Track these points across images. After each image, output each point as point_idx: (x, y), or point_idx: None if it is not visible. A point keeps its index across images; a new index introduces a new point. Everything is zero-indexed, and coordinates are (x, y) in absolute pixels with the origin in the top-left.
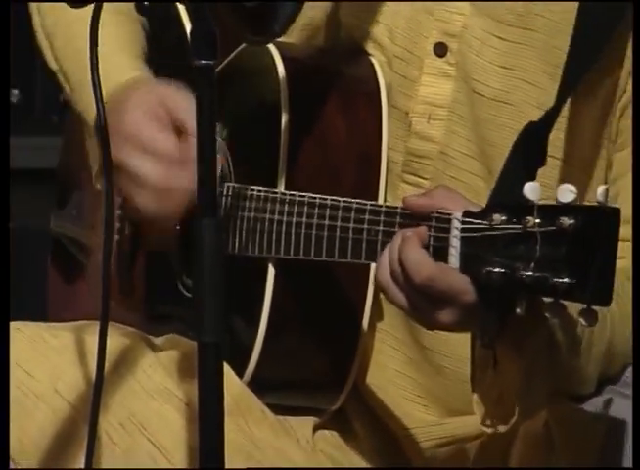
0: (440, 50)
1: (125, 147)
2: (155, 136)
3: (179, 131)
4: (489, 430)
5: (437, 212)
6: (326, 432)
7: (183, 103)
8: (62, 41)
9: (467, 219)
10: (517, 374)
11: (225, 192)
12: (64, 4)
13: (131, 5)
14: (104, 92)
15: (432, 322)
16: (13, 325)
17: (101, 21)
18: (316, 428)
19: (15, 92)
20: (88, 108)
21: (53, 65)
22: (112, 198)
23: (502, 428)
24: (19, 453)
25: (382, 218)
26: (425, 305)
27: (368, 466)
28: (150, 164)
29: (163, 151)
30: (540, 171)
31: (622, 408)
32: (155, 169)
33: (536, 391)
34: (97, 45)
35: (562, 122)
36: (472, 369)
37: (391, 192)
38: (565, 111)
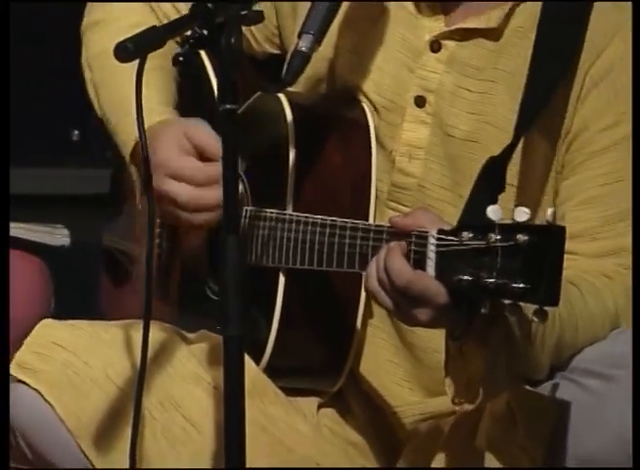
0: (420, 102)
1: (159, 174)
2: (181, 163)
3: (202, 156)
4: (458, 408)
5: (417, 231)
6: (327, 409)
7: (202, 132)
8: (106, 93)
9: (441, 236)
10: (481, 362)
11: (244, 214)
12: (108, 63)
13: (164, 59)
14: (132, 136)
15: (411, 320)
16: (73, 323)
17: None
18: (319, 406)
19: (75, 132)
20: (124, 145)
21: (99, 112)
22: (153, 217)
23: (468, 406)
24: (76, 428)
25: (371, 235)
26: (405, 305)
27: (360, 437)
28: (180, 187)
29: (190, 174)
30: (500, 196)
31: (568, 391)
32: (185, 190)
33: (497, 376)
34: (141, 92)
35: (517, 157)
36: (445, 358)
37: (379, 215)
38: (520, 147)
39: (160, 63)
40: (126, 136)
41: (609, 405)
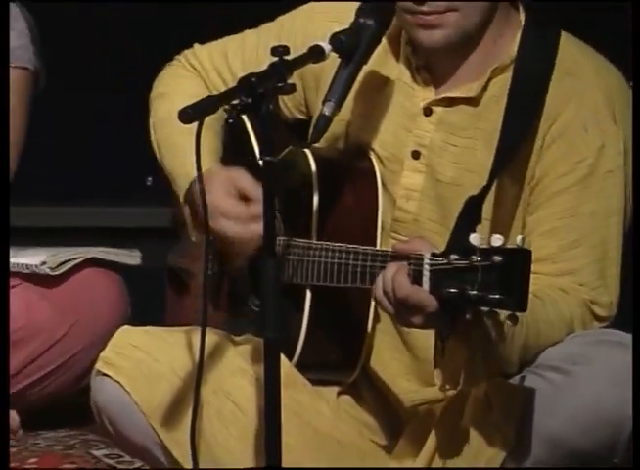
0: (415, 155)
1: (212, 214)
2: (229, 205)
3: (244, 197)
4: (444, 394)
5: (415, 254)
6: (345, 396)
7: (244, 178)
8: (165, 149)
9: (433, 258)
10: (462, 357)
11: (278, 243)
12: (169, 126)
13: (214, 121)
14: (185, 184)
15: (408, 324)
16: (145, 328)
17: (188, 130)
18: (338, 394)
19: (149, 178)
20: (179, 190)
21: (160, 163)
22: (208, 244)
23: (452, 392)
24: (148, 410)
25: (378, 258)
26: (404, 312)
27: (371, 418)
28: (229, 224)
29: (236, 214)
30: (478, 228)
31: (534, 382)
32: (232, 227)
33: (476, 367)
34: (199, 147)
35: (491, 197)
36: (434, 354)
37: (383, 243)
38: (494, 190)
39: (210, 124)
40: (181, 183)
41: (566, 394)
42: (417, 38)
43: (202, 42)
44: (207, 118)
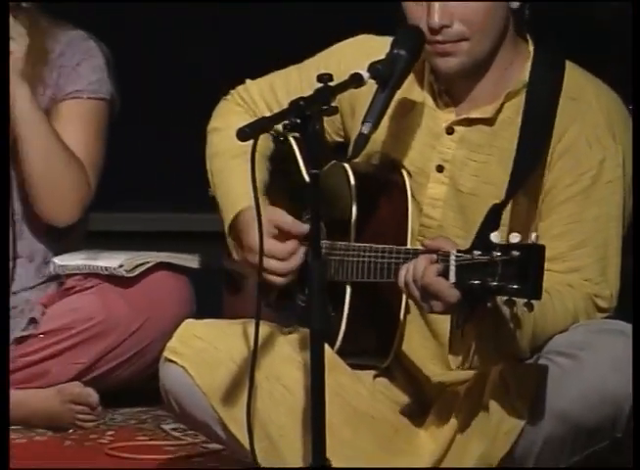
0: (439, 169)
1: (252, 254)
2: (269, 245)
3: (282, 233)
4: (462, 375)
5: (442, 251)
6: (380, 379)
7: (281, 216)
8: (217, 180)
9: (459, 254)
10: (473, 342)
11: (322, 245)
12: (221, 159)
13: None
14: (231, 214)
15: (430, 308)
16: (206, 321)
17: (237, 164)
18: (374, 376)
19: (210, 189)
20: (225, 220)
21: (212, 192)
22: (261, 251)
23: (467, 373)
24: (209, 392)
25: (410, 256)
26: (427, 298)
27: (403, 398)
28: (269, 263)
29: (275, 253)
30: (497, 232)
31: (544, 366)
32: (273, 265)
33: (488, 351)
34: (254, 164)
35: (509, 207)
36: (449, 340)
37: (412, 245)
38: (511, 201)
39: (258, 159)
40: (226, 215)
41: (573, 376)
42: (435, 65)
43: (252, 78)
44: (261, 146)
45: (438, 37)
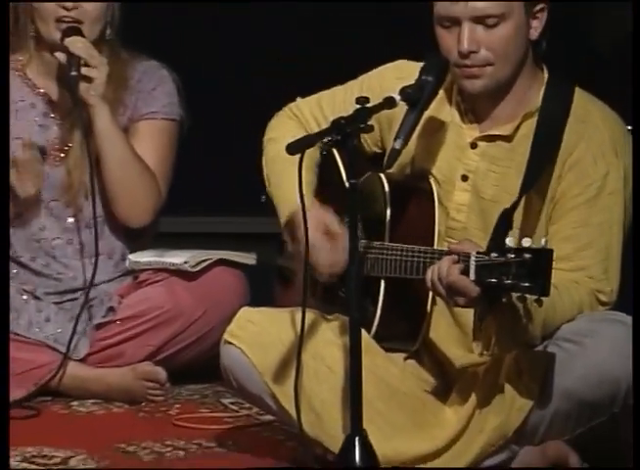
0: (464, 178)
1: (301, 244)
2: (317, 239)
3: (330, 232)
4: (484, 359)
5: (464, 252)
6: (410, 360)
7: (329, 217)
8: (273, 183)
9: (478, 256)
10: (494, 331)
11: (360, 245)
12: (276, 165)
13: (310, 162)
14: (286, 211)
15: (455, 303)
16: (260, 309)
17: (291, 167)
18: (405, 359)
19: (263, 196)
20: (281, 218)
21: (269, 194)
22: (307, 251)
23: (487, 357)
24: (262, 369)
25: (436, 256)
26: (451, 294)
27: (429, 377)
28: (317, 253)
29: (322, 246)
30: (510, 233)
31: (552, 350)
32: (319, 256)
33: (505, 340)
34: (301, 175)
35: (520, 211)
36: (473, 329)
37: (439, 245)
38: (523, 206)
39: (309, 165)
40: (282, 210)
41: (577, 359)
42: (463, 86)
43: (302, 96)
44: (307, 160)
45: (467, 61)
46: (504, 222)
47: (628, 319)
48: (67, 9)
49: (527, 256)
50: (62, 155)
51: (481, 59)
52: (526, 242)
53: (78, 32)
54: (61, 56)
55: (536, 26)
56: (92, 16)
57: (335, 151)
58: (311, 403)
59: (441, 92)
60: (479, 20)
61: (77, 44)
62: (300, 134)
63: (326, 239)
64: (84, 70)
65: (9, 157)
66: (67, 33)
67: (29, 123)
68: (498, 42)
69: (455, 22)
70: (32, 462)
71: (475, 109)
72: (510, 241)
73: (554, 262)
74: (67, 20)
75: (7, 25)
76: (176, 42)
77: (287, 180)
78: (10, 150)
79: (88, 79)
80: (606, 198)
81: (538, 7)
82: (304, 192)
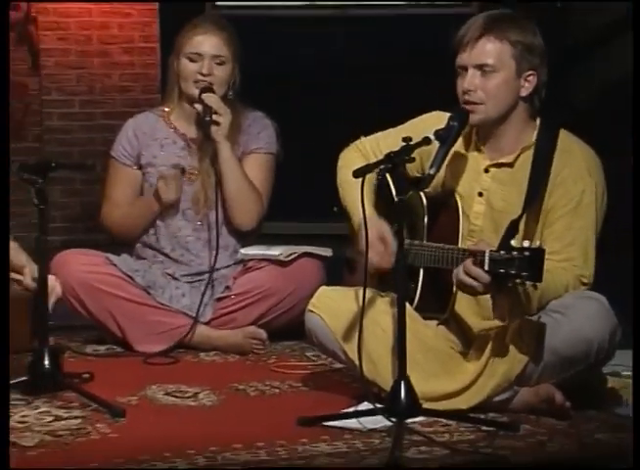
0: (480, 195)
1: (369, 249)
2: (375, 245)
3: (383, 237)
4: (497, 325)
5: (480, 250)
6: (441, 326)
7: (384, 228)
8: (345, 198)
9: (491, 253)
10: (505, 308)
11: (405, 243)
12: (346, 186)
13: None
14: (356, 219)
15: (472, 291)
16: (333, 288)
17: (357, 188)
18: (437, 324)
19: (335, 207)
20: (353, 224)
21: (343, 205)
22: (367, 248)
23: (502, 323)
24: (335, 331)
25: (460, 252)
26: (469, 282)
27: (455, 338)
28: (373, 255)
29: (378, 251)
30: (516, 237)
31: (544, 319)
32: (374, 258)
33: (513, 312)
34: (363, 194)
35: (523, 223)
36: (492, 305)
37: (463, 243)
38: (524, 219)
39: (369, 189)
40: (354, 220)
41: (562, 325)
42: (470, 120)
43: (365, 135)
44: (367, 182)
45: (467, 97)
46: (511, 229)
47: (601, 296)
48: (203, 74)
49: (527, 253)
50: (194, 177)
51: (477, 97)
52: (526, 243)
53: (211, 90)
54: (198, 106)
55: (527, 87)
56: (221, 80)
57: (387, 175)
58: (370, 356)
59: (463, 134)
60: (479, 67)
61: (211, 98)
62: (363, 163)
63: (379, 243)
64: (215, 117)
65: (9, 158)
66: (203, 91)
67: (172, 154)
68: (490, 87)
69: (464, 69)
70: (172, 395)
71: (486, 144)
72: (514, 242)
73: (547, 255)
74: (203, 81)
75: (7, 26)
76: (276, 98)
77: (354, 197)
78: (158, 171)
79: (217, 123)
80: (583, 208)
81: (529, 73)
82: (365, 205)
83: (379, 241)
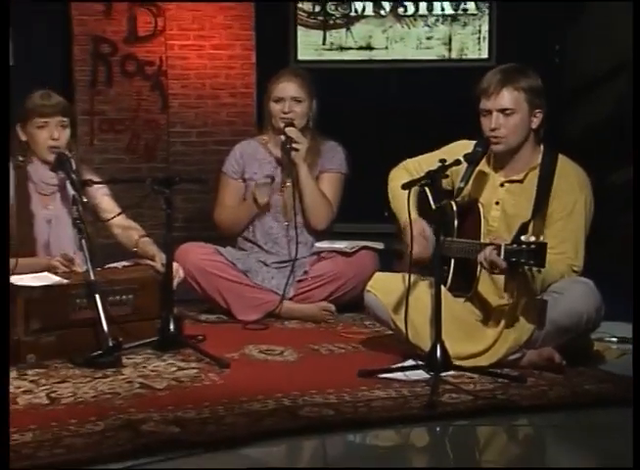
0: (497, 203)
1: (414, 242)
2: (419, 240)
3: (424, 234)
4: (507, 301)
5: (497, 244)
6: (467, 302)
7: (426, 227)
8: (395, 204)
9: (506, 245)
10: (514, 287)
11: (441, 240)
12: (395, 195)
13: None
14: (402, 221)
15: (492, 272)
16: (386, 274)
17: (404, 197)
18: (464, 301)
19: (386, 213)
20: (400, 223)
21: (394, 210)
22: (412, 243)
23: (512, 299)
24: (387, 305)
25: (481, 246)
26: (490, 265)
27: (478, 312)
28: (417, 249)
29: (420, 244)
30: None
31: (546, 298)
32: (417, 250)
33: (522, 293)
34: (409, 202)
35: (531, 225)
36: (504, 285)
37: (483, 240)
38: (532, 222)
39: (413, 200)
40: (401, 220)
41: (559, 302)
42: (493, 149)
43: (409, 157)
44: (412, 193)
45: (493, 134)
46: (522, 229)
47: (589, 281)
48: (285, 112)
49: (533, 246)
50: (282, 189)
51: (501, 133)
52: (533, 238)
53: (292, 124)
54: (282, 137)
55: (535, 121)
56: (299, 115)
57: (427, 188)
58: (413, 324)
59: (485, 157)
60: (501, 111)
61: (292, 131)
62: (408, 179)
63: (421, 238)
64: (294, 145)
65: (9, 158)
66: (287, 125)
67: (267, 171)
68: (510, 125)
69: (489, 112)
70: (264, 353)
71: (502, 166)
72: (524, 238)
73: (547, 249)
74: (285, 117)
75: (7, 26)
76: (346, 130)
77: (402, 204)
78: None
79: (296, 150)
80: (575, 215)
81: (537, 110)
82: (410, 210)
83: (420, 236)
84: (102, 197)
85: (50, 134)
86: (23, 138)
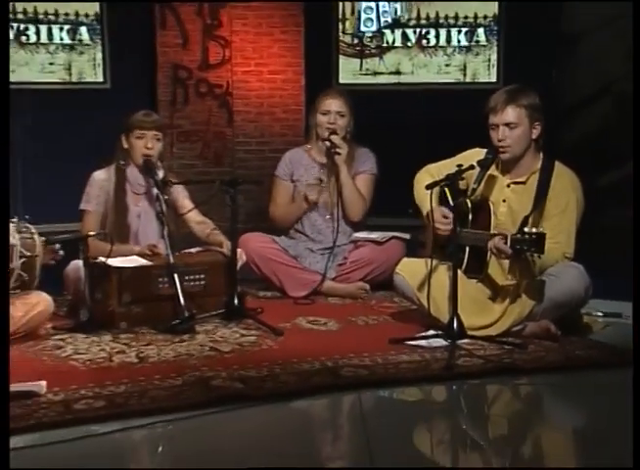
0: (504, 201)
1: (435, 222)
2: (440, 220)
3: (445, 214)
4: (512, 282)
5: (504, 234)
6: (479, 283)
7: (445, 210)
8: (419, 200)
9: (513, 236)
10: (517, 270)
11: (457, 229)
12: (419, 194)
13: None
14: (424, 211)
15: (500, 257)
16: (411, 259)
17: (427, 194)
18: (477, 282)
19: (410, 210)
20: (423, 213)
21: (418, 204)
22: (434, 231)
23: (515, 280)
24: (413, 285)
25: (491, 236)
26: (497, 251)
27: (488, 291)
28: (439, 226)
29: (441, 223)
30: (527, 227)
31: (545, 278)
32: (440, 228)
33: (524, 275)
34: (432, 199)
35: (531, 216)
36: (508, 269)
37: (493, 231)
38: (532, 214)
39: (435, 197)
40: (423, 210)
41: (555, 283)
42: (500, 156)
43: (430, 163)
44: (434, 193)
45: (500, 144)
46: (524, 222)
47: (580, 266)
48: (330, 123)
49: (534, 236)
50: (325, 188)
51: (507, 143)
52: (534, 229)
53: (335, 133)
54: (327, 144)
55: (535, 132)
56: (341, 127)
57: (446, 189)
58: (434, 301)
59: (494, 163)
60: (506, 125)
61: (335, 138)
62: (430, 181)
63: (443, 218)
64: (337, 150)
65: (9, 157)
66: (331, 134)
67: (311, 174)
68: (514, 137)
69: (496, 126)
70: (312, 323)
71: (508, 170)
72: (526, 228)
73: (546, 239)
74: (330, 127)
75: (7, 26)
76: (378, 139)
77: (426, 201)
78: (303, 184)
79: (338, 154)
80: (568, 211)
81: (536, 123)
82: (434, 203)
83: (443, 218)
84: (179, 195)
85: (145, 144)
86: (125, 146)
